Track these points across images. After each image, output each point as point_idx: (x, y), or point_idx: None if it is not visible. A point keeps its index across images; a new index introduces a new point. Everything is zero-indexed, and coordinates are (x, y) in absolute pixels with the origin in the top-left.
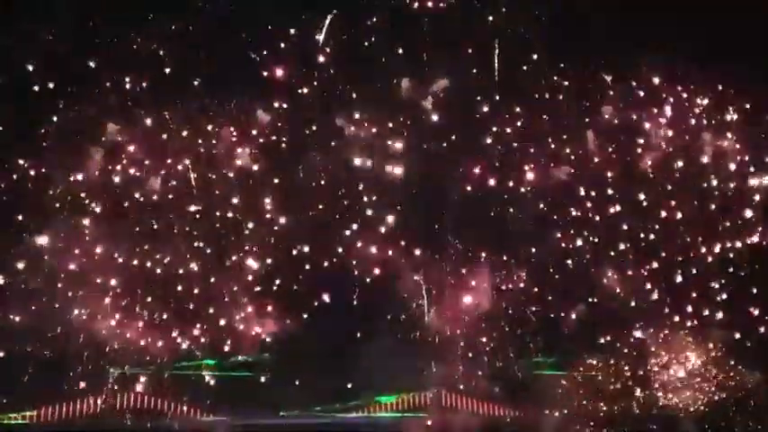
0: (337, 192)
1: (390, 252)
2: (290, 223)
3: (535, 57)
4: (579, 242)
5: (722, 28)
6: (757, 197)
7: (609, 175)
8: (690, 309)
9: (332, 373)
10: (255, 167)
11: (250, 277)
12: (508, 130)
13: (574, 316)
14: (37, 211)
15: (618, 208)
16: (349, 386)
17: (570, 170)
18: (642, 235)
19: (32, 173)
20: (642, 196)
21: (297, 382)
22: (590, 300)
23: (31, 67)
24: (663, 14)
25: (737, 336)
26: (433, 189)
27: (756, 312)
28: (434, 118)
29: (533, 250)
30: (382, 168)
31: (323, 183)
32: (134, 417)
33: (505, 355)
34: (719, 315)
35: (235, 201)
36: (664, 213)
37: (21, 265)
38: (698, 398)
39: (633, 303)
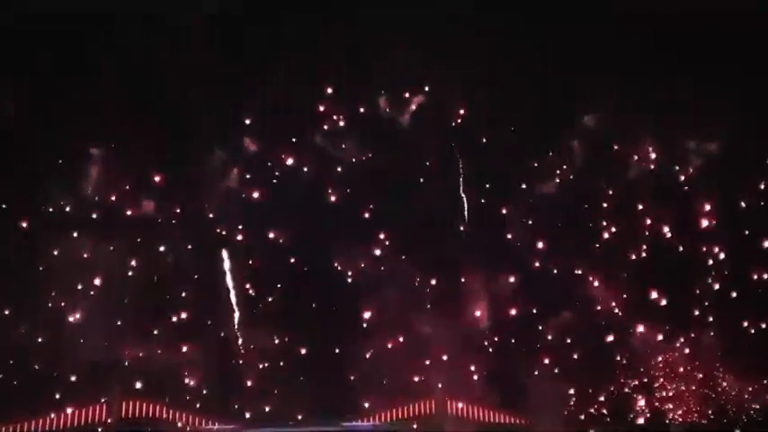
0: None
1: (391, 265)
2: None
3: None
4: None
5: None
6: None
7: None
8: (687, 317)
9: (337, 386)
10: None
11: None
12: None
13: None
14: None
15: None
16: (355, 397)
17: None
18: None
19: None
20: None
21: (302, 394)
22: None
23: None
24: None
25: (731, 347)
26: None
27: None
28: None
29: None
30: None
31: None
32: (140, 426)
33: (505, 362)
34: (714, 326)
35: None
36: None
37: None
38: (691, 407)
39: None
